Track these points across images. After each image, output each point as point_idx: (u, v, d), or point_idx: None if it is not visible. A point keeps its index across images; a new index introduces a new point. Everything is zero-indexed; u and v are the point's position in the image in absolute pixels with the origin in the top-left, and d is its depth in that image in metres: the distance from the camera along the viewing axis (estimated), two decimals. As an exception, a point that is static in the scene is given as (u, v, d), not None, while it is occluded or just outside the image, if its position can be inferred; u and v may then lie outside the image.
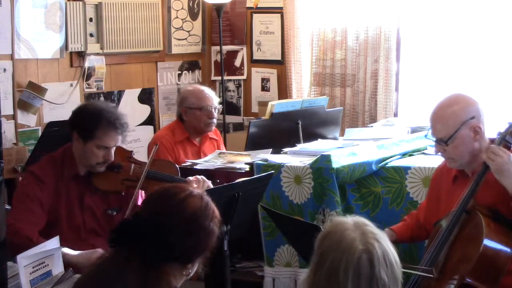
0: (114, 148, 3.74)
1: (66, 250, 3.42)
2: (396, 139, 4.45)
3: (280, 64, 6.37)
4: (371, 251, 1.99)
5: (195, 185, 3.83)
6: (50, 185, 3.68)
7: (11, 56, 4.97)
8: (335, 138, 5.09)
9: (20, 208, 3.59)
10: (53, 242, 3.12)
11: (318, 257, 2.04)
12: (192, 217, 2.27)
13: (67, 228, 3.68)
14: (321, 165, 3.98)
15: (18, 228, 3.48)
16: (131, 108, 5.87)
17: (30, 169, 3.79)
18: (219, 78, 6.40)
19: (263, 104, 6.04)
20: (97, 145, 3.67)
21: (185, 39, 6.39)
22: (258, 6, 6.40)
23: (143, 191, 3.91)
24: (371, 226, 2.07)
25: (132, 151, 3.98)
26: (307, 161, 4.14)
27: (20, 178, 3.99)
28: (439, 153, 3.27)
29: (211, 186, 3.94)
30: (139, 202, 3.87)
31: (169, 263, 2.26)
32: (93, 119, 3.67)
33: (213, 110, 4.78)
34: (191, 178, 3.89)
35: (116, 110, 3.83)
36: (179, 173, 4.00)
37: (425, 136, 3.41)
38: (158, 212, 2.27)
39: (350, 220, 2.08)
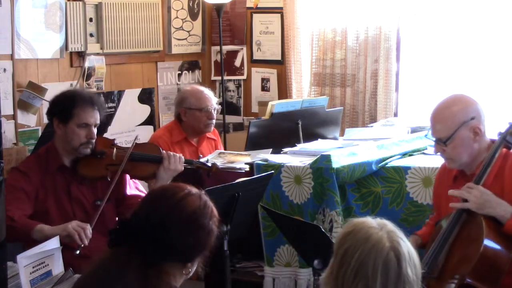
0: (95, 127, 3.80)
1: (42, 226, 3.52)
2: (396, 139, 4.45)
3: (280, 64, 6.37)
4: (397, 249, 2.01)
5: (168, 162, 3.91)
6: (34, 177, 3.75)
7: (11, 56, 4.96)
8: (335, 138, 5.09)
9: (6, 197, 3.62)
10: (53, 242, 3.12)
11: (343, 253, 2.03)
12: (192, 216, 2.28)
13: (57, 220, 3.70)
14: (321, 165, 3.98)
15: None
16: (131, 108, 5.87)
17: (15, 167, 3.89)
18: (219, 78, 6.40)
19: (263, 104, 6.04)
20: (77, 124, 3.75)
21: (185, 39, 6.39)
22: (258, 6, 6.40)
23: (130, 179, 3.99)
24: (393, 226, 2.09)
25: (114, 139, 4.06)
26: (307, 161, 4.14)
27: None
28: (439, 153, 3.27)
29: (183, 158, 3.98)
30: (127, 187, 3.93)
31: (169, 263, 2.26)
32: (68, 100, 3.78)
33: (212, 111, 4.78)
34: (163, 153, 3.95)
35: (90, 91, 3.98)
36: (161, 151, 4.03)
37: (425, 136, 3.41)
38: (157, 212, 2.27)
39: (371, 219, 2.10)
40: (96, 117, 3.80)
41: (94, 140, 3.80)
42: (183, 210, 2.27)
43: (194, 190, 2.35)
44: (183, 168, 3.98)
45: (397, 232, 2.07)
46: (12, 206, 3.58)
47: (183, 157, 4.02)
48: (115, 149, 3.91)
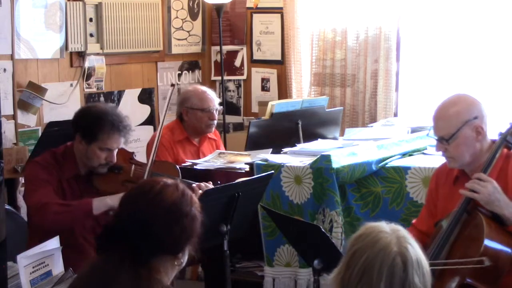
0: (117, 150, 3.75)
1: (101, 198, 3.63)
2: (396, 139, 4.45)
3: (280, 64, 6.37)
4: (405, 254, 1.98)
5: (200, 192, 3.83)
6: (54, 173, 3.74)
7: (11, 56, 4.97)
8: (335, 138, 5.09)
9: (39, 190, 3.65)
10: (53, 242, 3.12)
11: (351, 255, 2.02)
12: (173, 206, 2.29)
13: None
14: (321, 165, 3.98)
15: (47, 202, 3.59)
16: (131, 108, 5.87)
17: (33, 160, 3.86)
18: (219, 78, 6.40)
19: (263, 104, 6.03)
20: (100, 147, 3.71)
21: (185, 39, 6.39)
22: (258, 6, 6.40)
23: None
24: (405, 232, 2.06)
25: (133, 153, 4.01)
26: (307, 161, 4.14)
27: (25, 170, 4.06)
28: (440, 152, 3.27)
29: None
30: None
31: (160, 257, 2.26)
32: (97, 121, 3.71)
33: (214, 111, 4.77)
34: (195, 185, 3.86)
35: (120, 112, 3.87)
36: (180, 175, 4.00)
37: (427, 134, 3.40)
38: (137, 210, 2.28)
39: (385, 224, 2.07)
40: (120, 142, 3.75)
41: (113, 163, 3.77)
42: (163, 202, 2.28)
43: (169, 181, 2.36)
44: None
45: (408, 238, 2.03)
46: (51, 196, 3.62)
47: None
48: (133, 166, 3.87)
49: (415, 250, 2.01)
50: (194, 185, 3.84)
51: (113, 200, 3.59)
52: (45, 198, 3.61)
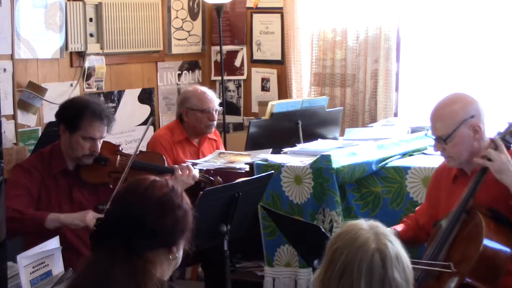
0: (101, 140, 3.80)
1: (57, 214, 3.59)
2: (396, 139, 4.45)
3: (280, 64, 6.37)
4: (383, 251, 1.99)
5: (180, 172, 3.87)
6: (37, 176, 3.75)
7: (11, 56, 4.96)
8: (335, 138, 5.09)
9: (9, 194, 3.64)
10: (53, 242, 3.12)
11: (331, 254, 2.03)
12: (163, 198, 2.31)
13: None
14: (321, 165, 3.98)
15: (6, 205, 3.53)
16: (131, 108, 5.88)
17: (17, 163, 3.92)
18: (219, 78, 6.40)
19: (263, 104, 6.04)
20: (83, 136, 3.74)
21: (185, 39, 6.39)
22: (258, 6, 6.40)
23: None
24: (385, 229, 2.07)
25: (119, 145, 4.05)
26: (307, 161, 4.14)
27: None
28: (439, 152, 3.28)
29: (197, 175, 3.97)
30: None
31: (154, 250, 2.27)
32: (79, 110, 3.75)
33: (214, 112, 4.78)
34: (176, 166, 3.95)
35: (102, 103, 3.95)
36: (166, 163, 4.05)
37: (425, 134, 3.41)
38: (129, 203, 2.29)
39: (364, 221, 2.08)
40: (103, 132, 3.78)
41: (97, 153, 3.80)
42: (153, 195, 2.30)
43: (158, 178, 2.39)
44: (193, 182, 3.96)
45: (387, 235, 2.04)
46: (14, 201, 3.60)
47: (196, 173, 3.98)
48: (118, 157, 3.91)
49: (394, 246, 2.02)
50: (176, 166, 3.96)
51: (66, 218, 3.59)
52: (7, 202, 3.60)
